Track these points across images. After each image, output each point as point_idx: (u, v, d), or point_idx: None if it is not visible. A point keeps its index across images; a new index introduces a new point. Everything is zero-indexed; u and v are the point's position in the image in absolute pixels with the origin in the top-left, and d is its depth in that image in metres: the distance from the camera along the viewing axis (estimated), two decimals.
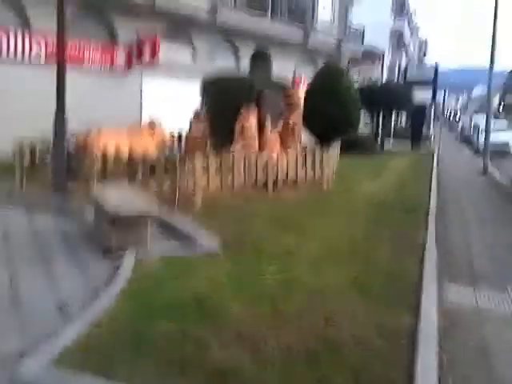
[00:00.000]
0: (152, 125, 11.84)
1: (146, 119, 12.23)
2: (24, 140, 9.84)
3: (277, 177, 9.95)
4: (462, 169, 18.98)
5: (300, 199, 9.59)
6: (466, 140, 34.43)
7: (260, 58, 23.78)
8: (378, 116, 23.27)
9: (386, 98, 21.57)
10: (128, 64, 19.09)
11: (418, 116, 25.36)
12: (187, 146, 14.00)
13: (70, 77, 9.19)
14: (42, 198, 8.68)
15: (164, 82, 20.05)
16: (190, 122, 14.02)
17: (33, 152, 9.79)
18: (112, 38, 18.86)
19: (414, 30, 46.38)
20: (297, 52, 25.95)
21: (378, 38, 32.93)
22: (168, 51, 19.97)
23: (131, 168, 8.92)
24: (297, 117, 13.25)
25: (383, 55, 31.27)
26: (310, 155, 10.51)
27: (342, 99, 18.61)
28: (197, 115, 13.95)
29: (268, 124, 11.86)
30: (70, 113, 9.42)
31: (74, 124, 9.66)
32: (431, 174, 15.72)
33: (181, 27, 20.69)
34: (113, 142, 10.67)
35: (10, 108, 14.44)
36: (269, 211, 8.36)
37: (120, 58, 18.93)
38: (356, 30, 28.75)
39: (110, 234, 6.00)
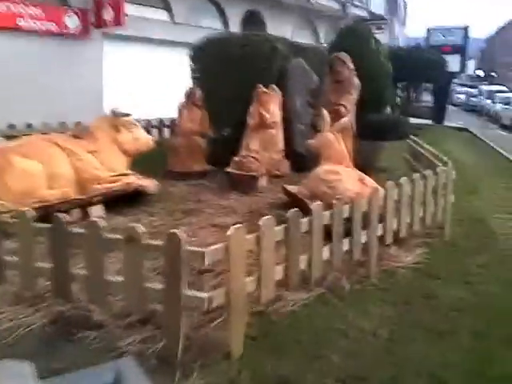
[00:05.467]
0: (116, 120, 6.15)
1: (105, 111, 6.54)
2: None
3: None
4: None
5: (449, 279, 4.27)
6: (473, 110, 29.44)
7: (253, 21, 17.94)
8: (408, 89, 17.87)
9: (417, 67, 16.11)
10: (83, 31, 13.14)
11: (445, 86, 19.97)
12: (174, 146, 8.41)
13: None
14: None
15: (133, 49, 14.09)
16: (180, 107, 8.46)
17: None
18: None
19: None
20: (295, 15, 20.17)
21: (375, 1, 27.17)
22: (137, 12, 14.05)
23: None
24: (350, 103, 7.61)
25: (392, 18, 25.51)
26: (418, 181, 4.96)
27: (372, 68, 13.18)
28: (191, 96, 8.39)
29: (326, 116, 6.28)
30: None
31: None
32: None
33: None
34: (38, 158, 5.13)
35: None
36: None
37: (72, 22, 12.93)
38: None
39: None
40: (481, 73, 72.72)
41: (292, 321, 3.46)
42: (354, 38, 13.40)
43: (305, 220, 3.49)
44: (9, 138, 6.86)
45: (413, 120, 17.87)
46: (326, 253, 3.76)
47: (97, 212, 5.73)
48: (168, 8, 15.45)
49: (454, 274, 4.47)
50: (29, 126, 8.55)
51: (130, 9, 13.31)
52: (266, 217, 3.19)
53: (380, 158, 9.21)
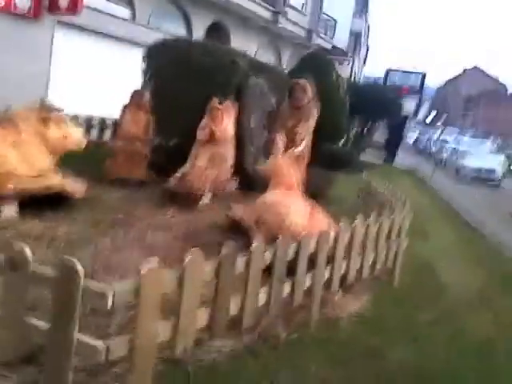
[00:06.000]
0: (46, 114, 5.38)
1: (36, 101, 5.75)
2: None
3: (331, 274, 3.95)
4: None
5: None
6: (422, 153, 30.50)
7: (218, 33, 17.44)
8: (362, 124, 17.86)
9: (375, 104, 16.11)
10: (35, 13, 12.15)
11: (400, 127, 20.21)
12: (114, 149, 7.66)
13: None
14: None
15: (87, 42, 13.21)
16: (124, 109, 7.71)
17: None
18: None
19: (366, 32, 41.38)
20: (261, 34, 19.88)
21: (339, 36, 27.26)
22: (97, 4, 13.21)
23: None
24: (305, 129, 7.10)
25: (353, 55, 25.64)
26: (373, 224, 4.49)
27: (330, 99, 12.93)
28: (137, 98, 7.69)
29: (281, 141, 5.76)
30: None
31: None
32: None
33: None
34: None
35: None
36: None
37: (21, 1, 11.92)
38: (328, 21, 23.02)
39: None
40: (430, 118, 75.87)
41: (212, 375, 2.84)
42: (316, 66, 13.15)
43: (242, 259, 2.90)
44: None
45: (363, 156, 17.86)
46: (262, 296, 3.18)
47: (8, 212, 4.94)
48: (131, 5, 14.73)
49: (401, 329, 4.02)
50: None
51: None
52: (193, 249, 2.58)
53: (331, 189, 8.83)
